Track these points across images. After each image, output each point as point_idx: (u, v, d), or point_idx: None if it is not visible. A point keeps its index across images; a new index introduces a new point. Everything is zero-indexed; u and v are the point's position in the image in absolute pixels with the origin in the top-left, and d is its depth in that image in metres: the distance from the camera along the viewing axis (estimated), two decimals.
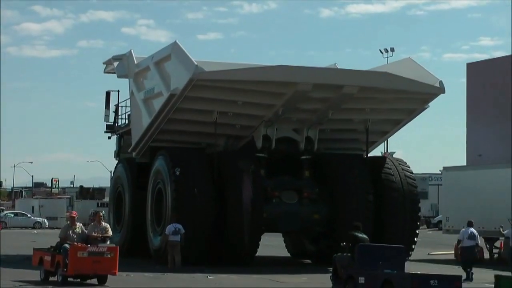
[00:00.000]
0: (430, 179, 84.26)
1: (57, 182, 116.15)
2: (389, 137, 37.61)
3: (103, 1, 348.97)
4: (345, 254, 21.70)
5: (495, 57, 52.31)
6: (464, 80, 50.87)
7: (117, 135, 38.26)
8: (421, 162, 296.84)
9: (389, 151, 64.15)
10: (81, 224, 24.02)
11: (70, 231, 23.05)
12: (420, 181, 67.88)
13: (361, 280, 20.04)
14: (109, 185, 42.17)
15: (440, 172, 58.12)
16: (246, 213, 29.73)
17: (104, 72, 39.12)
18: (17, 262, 29.95)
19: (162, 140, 32.42)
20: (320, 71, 31.39)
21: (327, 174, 32.22)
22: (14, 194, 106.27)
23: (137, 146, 33.48)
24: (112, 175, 40.51)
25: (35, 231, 63.56)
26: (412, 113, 33.17)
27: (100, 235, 23.14)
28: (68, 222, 24.03)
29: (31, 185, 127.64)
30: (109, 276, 22.74)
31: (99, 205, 75.77)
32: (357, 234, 21.85)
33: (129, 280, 24.72)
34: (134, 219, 34.04)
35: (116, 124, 38.05)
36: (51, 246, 23.60)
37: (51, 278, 23.12)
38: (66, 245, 22.41)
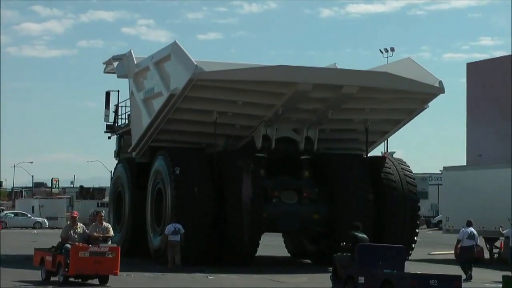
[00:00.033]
0: (430, 179, 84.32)
1: (57, 182, 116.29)
2: (389, 137, 37.63)
3: (103, 1, 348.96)
4: (345, 254, 21.72)
5: (495, 57, 52.39)
6: (464, 80, 50.98)
7: (117, 135, 38.28)
8: (421, 162, 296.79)
9: (389, 151, 64.16)
10: (82, 224, 24.03)
11: (72, 231, 23.04)
12: (420, 181, 67.94)
13: (361, 280, 20.06)
14: (109, 185, 42.18)
15: (440, 172, 58.19)
16: (246, 213, 29.75)
17: (104, 72, 39.13)
18: (17, 262, 29.95)
19: (162, 140, 32.43)
20: (320, 71, 31.40)
21: (327, 174, 32.23)
22: (14, 194, 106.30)
23: (137, 146, 33.50)
24: (112, 175, 40.53)
25: (35, 231, 63.58)
26: (411, 113, 33.19)
27: (102, 235, 23.11)
28: (70, 222, 24.03)
29: (31, 185, 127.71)
30: (110, 276, 22.74)
31: (99, 205, 75.84)
32: (357, 234, 21.87)
33: (129, 280, 24.72)
34: (134, 219, 34.06)
35: (116, 124, 38.06)
36: (52, 246, 23.57)
37: (52, 278, 23.11)
38: (68, 245, 22.40)
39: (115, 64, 36.29)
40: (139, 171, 33.84)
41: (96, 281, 22.93)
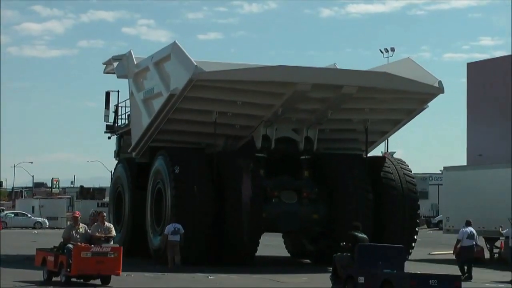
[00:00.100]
0: (430, 179, 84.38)
1: (58, 182, 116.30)
2: (388, 137, 37.64)
3: (103, 1, 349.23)
4: (344, 254, 21.72)
5: (496, 57, 52.33)
6: (464, 80, 50.86)
7: (117, 135, 38.29)
8: (421, 162, 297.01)
9: (389, 151, 64.31)
10: (84, 225, 24.00)
11: (74, 231, 23.00)
12: (420, 181, 68.04)
13: (361, 280, 20.07)
14: (109, 185, 42.19)
15: (440, 172, 58.19)
16: (246, 213, 29.75)
17: (104, 72, 39.14)
18: (18, 262, 29.96)
19: (162, 140, 32.44)
20: (319, 71, 31.41)
21: (327, 174, 32.23)
22: (14, 194, 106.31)
23: (137, 146, 33.51)
24: (112, 175, 40.55)
25: (36, 231, 63.56)
26: (411, 113, 33.19)
27: (104, 235, 23.08)
28: (72, 222, 24.01)
29: (32, 185, 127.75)
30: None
31: (100, 205, 75.86)
32: (356, 234, 21.87)
33: (129, 280, 24.71)
34: (134, 219, 34.06)
35: (116, 124, 38.07)
36: (54, 246, 23.52)
37: (54, 279, 23.09)
38: (70, 245, 22.37)
39: (115, 64, 36.29)
40: (139, 171, 33.85)
41: (98, 281, 22.91)
